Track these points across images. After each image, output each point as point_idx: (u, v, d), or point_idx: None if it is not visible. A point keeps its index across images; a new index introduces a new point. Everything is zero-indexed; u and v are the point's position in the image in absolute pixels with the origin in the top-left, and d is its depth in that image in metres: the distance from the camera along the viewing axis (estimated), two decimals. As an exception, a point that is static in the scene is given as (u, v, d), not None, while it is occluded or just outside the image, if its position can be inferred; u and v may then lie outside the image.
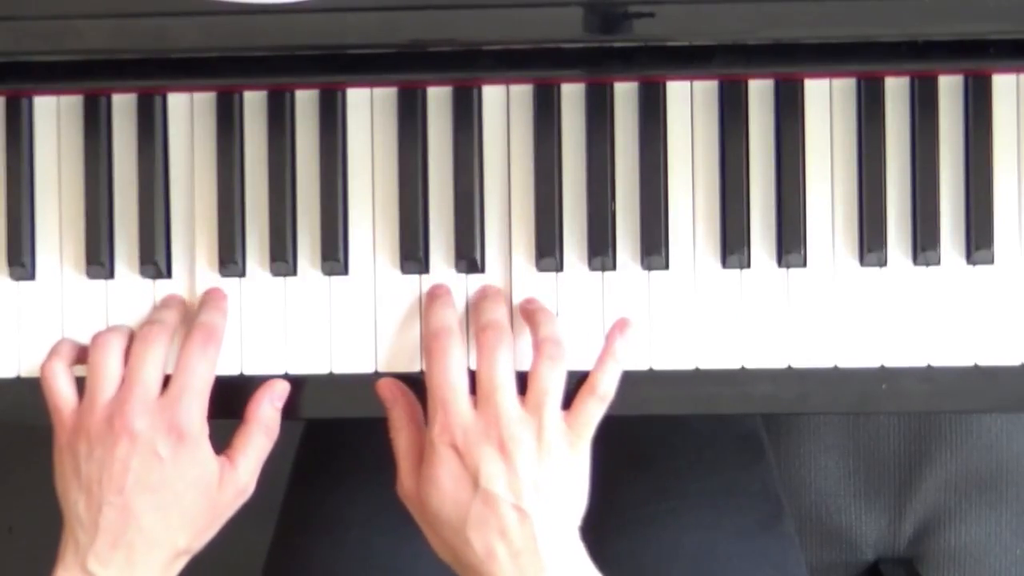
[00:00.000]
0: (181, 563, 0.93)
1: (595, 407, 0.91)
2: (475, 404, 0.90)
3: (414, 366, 0.97)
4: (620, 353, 0.93)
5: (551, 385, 0.90)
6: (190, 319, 0.96)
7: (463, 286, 0.97)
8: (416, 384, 0.95)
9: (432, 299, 0.96)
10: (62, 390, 0.93)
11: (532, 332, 0.93)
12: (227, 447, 0.94)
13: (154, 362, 0.92)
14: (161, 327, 0.94)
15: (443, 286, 0.97)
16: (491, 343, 0.91)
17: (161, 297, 0.98)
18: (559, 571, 0.88)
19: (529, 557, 0.88)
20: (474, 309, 0.95)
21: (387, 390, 0.95)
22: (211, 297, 0.97)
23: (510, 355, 0.91)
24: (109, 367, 0.92)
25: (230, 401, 0.96)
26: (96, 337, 0.93)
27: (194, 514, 0.92)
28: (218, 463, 0.93)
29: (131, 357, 0.92)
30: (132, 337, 0.94)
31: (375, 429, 0.96)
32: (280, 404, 0.96)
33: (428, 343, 0.92)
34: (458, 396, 0.90)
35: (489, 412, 0.89)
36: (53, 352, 0.95)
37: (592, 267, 0.97)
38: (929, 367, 0.96)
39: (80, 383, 0.94)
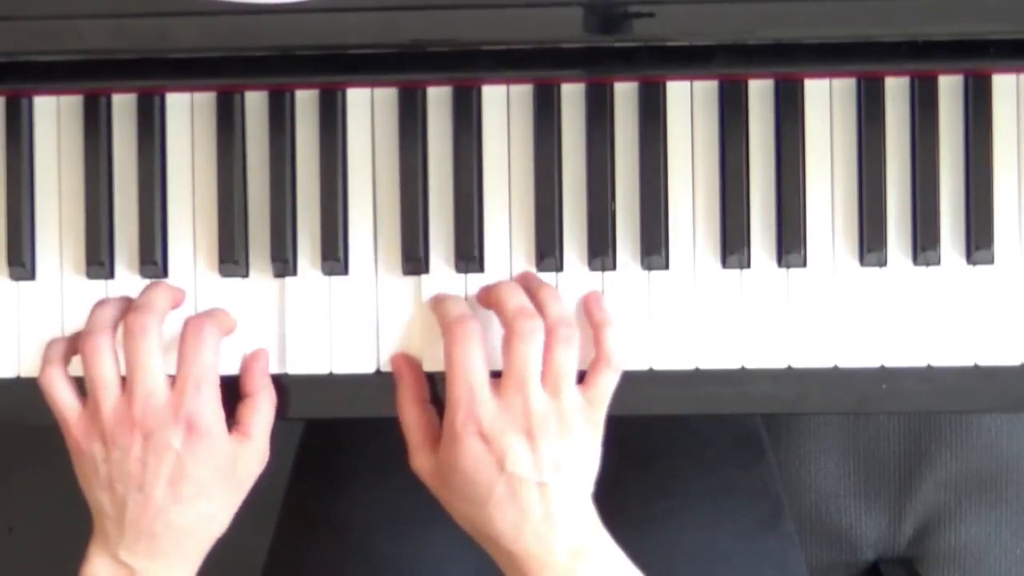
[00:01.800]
0: (212, 541, 0.94)
1: (611, 378, 0.92)
2: (496, 388, 0.91)
3: (414, 366, 0.97)
4: (610, 316, 0.94)
5: (567, 367, 0.91)
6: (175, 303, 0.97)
7: (463, 286, 0.97)
8: (416, 384, 0.95)
9: (441, 296, 0.96)
10: (63, 398, 0.93)
11: (540, 313, 0.92)
12: (236, 423, 0.94)
13: (149, 353, 0.91)
14: (146, 312, 0.92)
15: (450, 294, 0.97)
16: (526, 331, 0.91)
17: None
18: (571, 533, 0.90)
19: (545, 521, 0.90)
20: (495, 294, 0.94)
21: (397, 364, 0.96)
22: (209, 309, 0.97)
23: (541, 345, 0.91)
24: (105, 372, 0.91)
25: (232, 400, 0.95)
26: (85, 343, 0.92)
27: (220, 499, 0.93)
28: (234, 442, 0.93)
29: (126, 353, 0.92)
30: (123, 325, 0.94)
31: (375, 429, 0.96)
32: (266, 366, 0.97)
33: (449, 331, 0.92)
34: (482, 385, 0.90)
35: (517, 400, 0.90)
36: (46, 360, 0.94)
37: (592, 267, 0.97)
38: (929, 367, 0.96)
39: (77, 382, 0.93)
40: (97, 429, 0.91)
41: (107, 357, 0.92)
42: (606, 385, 0.93)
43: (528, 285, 0.95)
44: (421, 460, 0.93)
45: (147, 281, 0.98)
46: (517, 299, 0.93)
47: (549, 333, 0.91)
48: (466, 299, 0.97)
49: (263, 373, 0.96)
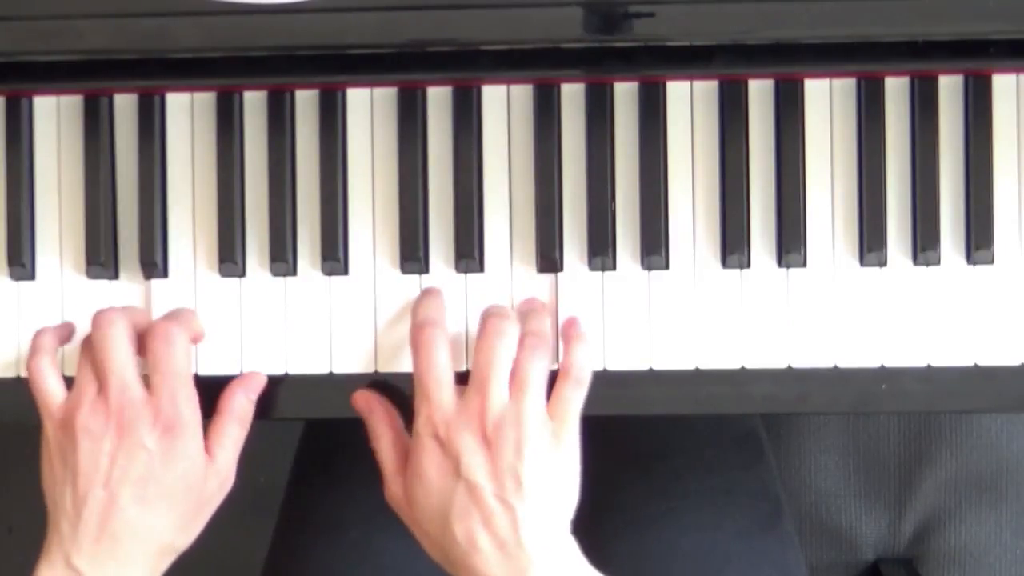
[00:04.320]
0: (168, 560, 0.93)
1: (572, 392, 0.91)
2: (463, 394, 0.90)
3: (414, 366, 0.97)
4: (583, 333, 0.93)
5: (531, 376, 0.89)
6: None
7: (463, 286, 0.97)
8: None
9: (421, 295, 0.96)
10: (50, 386, 0.93)
11: (520, 327, 0.93)
12: (204, 440, 0.93)
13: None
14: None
15: (434, 288, 0.96)
16: (494, 331, 0.90)
17: (162, 298, 0.98)
18: (547, 565, 0.88)
19: (514, 549, 0.87)
20: (484, 310, 0.95)
21: (362, 401, 0.95)
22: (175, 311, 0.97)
23: (510, 346, 0.90)
24: (118, 356, 0.91)
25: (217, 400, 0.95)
26: (102, 332, 0.92)
27: (182, 508, 0.92)
28: (203, 455, 0.92)
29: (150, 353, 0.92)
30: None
31: (375, 429, 0.96)
32: (255, 397, 0.96)
33: (414, 335, 0.92)
34: (442, 387, 0.90)
35: (475, 401, 0.89)
36: (37, 348, 0.94)
37: (592, 267, 0.97)
38: (929, 367, 0.96)
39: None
40: (74, 417, 0.90)
41: (122, 347, 0.91)
42: (568, 399, 0.90)
43: (524, 306, 0.95)
44: (395, 488, 0.93)
45: (147, 281, 0.98)
46: (496, 308, 0.93)
47: (519, 343, 0.91)
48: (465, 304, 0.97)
49: (239, 395, 0.95)
